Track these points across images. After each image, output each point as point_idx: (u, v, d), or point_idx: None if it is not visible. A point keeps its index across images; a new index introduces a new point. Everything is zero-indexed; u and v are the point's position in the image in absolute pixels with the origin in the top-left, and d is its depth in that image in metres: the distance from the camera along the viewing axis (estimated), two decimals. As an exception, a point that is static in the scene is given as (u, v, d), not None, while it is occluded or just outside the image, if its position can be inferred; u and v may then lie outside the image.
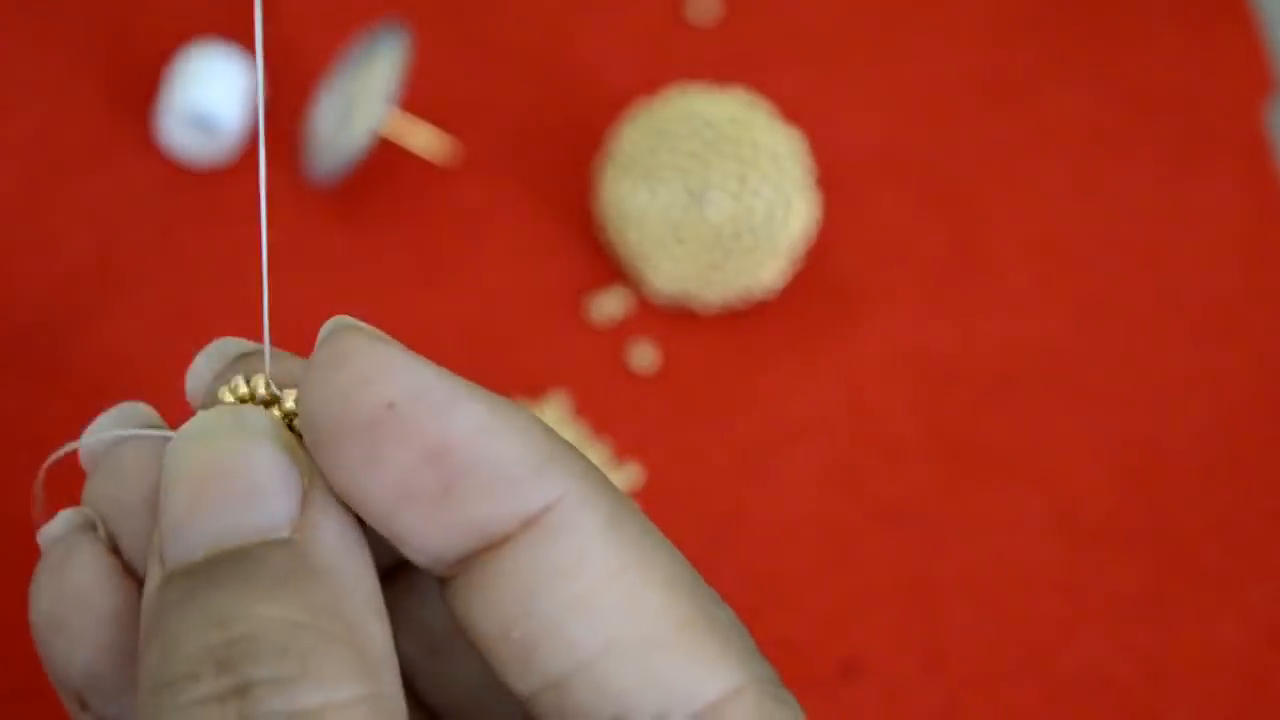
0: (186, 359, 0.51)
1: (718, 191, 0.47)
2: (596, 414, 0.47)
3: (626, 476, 0.46)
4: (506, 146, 0.52)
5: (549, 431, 0.23)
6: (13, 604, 0.44)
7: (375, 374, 0.22)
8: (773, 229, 0.47)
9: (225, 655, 0.20)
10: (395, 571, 0.25)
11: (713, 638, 0.22)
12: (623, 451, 0.47)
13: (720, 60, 0.53)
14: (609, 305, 0.49)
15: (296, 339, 0.51)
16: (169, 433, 0.24)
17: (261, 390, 0.24)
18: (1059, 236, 0.51)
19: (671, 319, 0.49)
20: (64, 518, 0.26)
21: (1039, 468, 0.47)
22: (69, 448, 0.26)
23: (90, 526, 0.25)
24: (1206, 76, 0.54)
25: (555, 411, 0.47)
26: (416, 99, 0.51)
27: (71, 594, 0.24)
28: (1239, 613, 0.44)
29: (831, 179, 0.50)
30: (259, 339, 0.46)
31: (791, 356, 0.48)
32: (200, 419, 0.23)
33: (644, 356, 0.48)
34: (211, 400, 0.25)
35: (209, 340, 0.48)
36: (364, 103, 0.48)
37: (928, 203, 0.51)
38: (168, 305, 0.48)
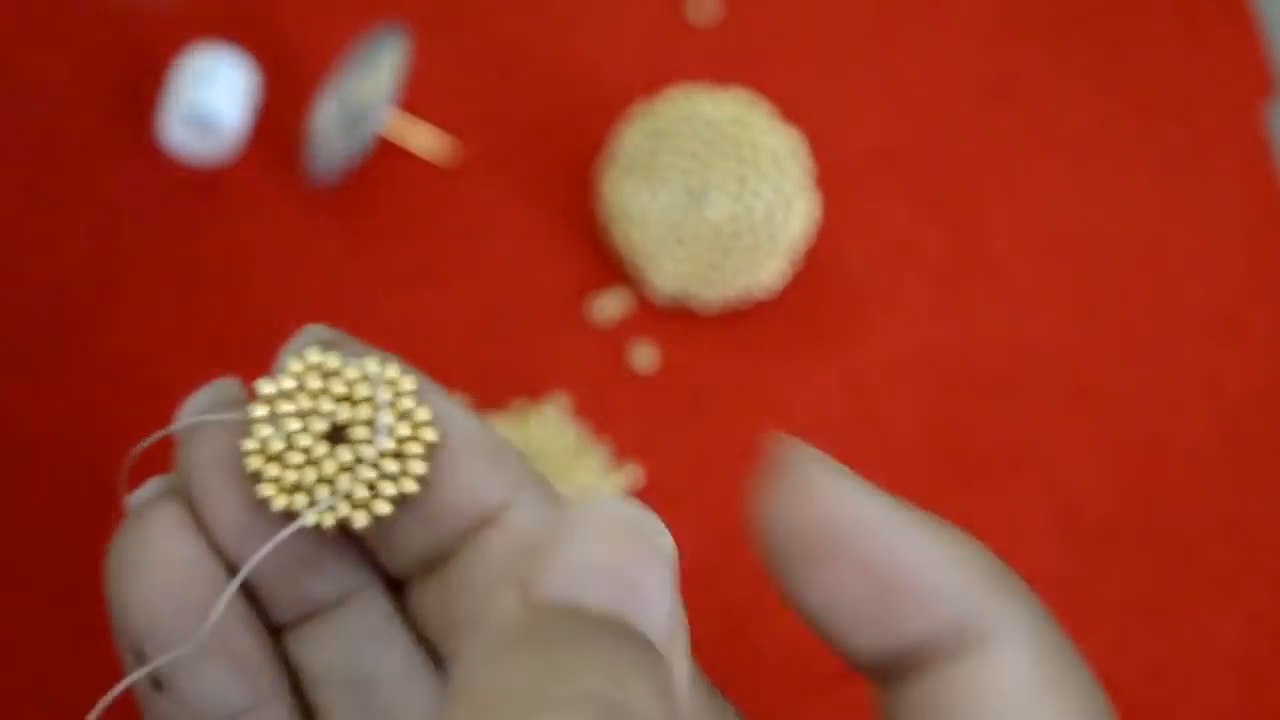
0: (187, 357, 0.52)
1: (718, 192, 0.47)
2: (597, 414, 0.47)
3: (627, 477, 0.46)
4: (507, 147, 0.52)
5: (987, 557, 0.24)
6: (15, 603, 0.44)
7: (827, 499, 0.24)
8: (773, 229, 0.47)
9: (609, 710, 0.21)
10: (450, 567, 0.26)
11: None
12: (623, 452, 0.47)
13: (720, 61, 0.53)
14: (610, 305, 0.49)
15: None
16: (234, 416, 0.26)
17: (333, 363, 0.26)
18: (1060, 237, 0.51)
19: (672, 319, 0.49)
20: (151, 484, 0.27)
21: (1041, 468, 0.47)
22: (158, 435, 0.27)
23: (175, 492, 0.27)
24: (1207, 78, 0.54)
25: (556, 412, 0.47)
26: (417, 100, 0.51)
27: (145, 539, 0.26)
28: (1241, 613, 0.44)
29: (831, 179, 0.50)
30: (259, 338, 0.46)
31: (792, 356, 0.48)
32: (630, 514, 0.24)
33: (644, 357, 0.48)
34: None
35: (209, 338, 0.48)
36: (365, 103, 0.48)
37: (928, 203, 0.51)
38: (168, 304, 0.48)
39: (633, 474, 0.46)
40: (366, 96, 0.48)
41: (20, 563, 0.44)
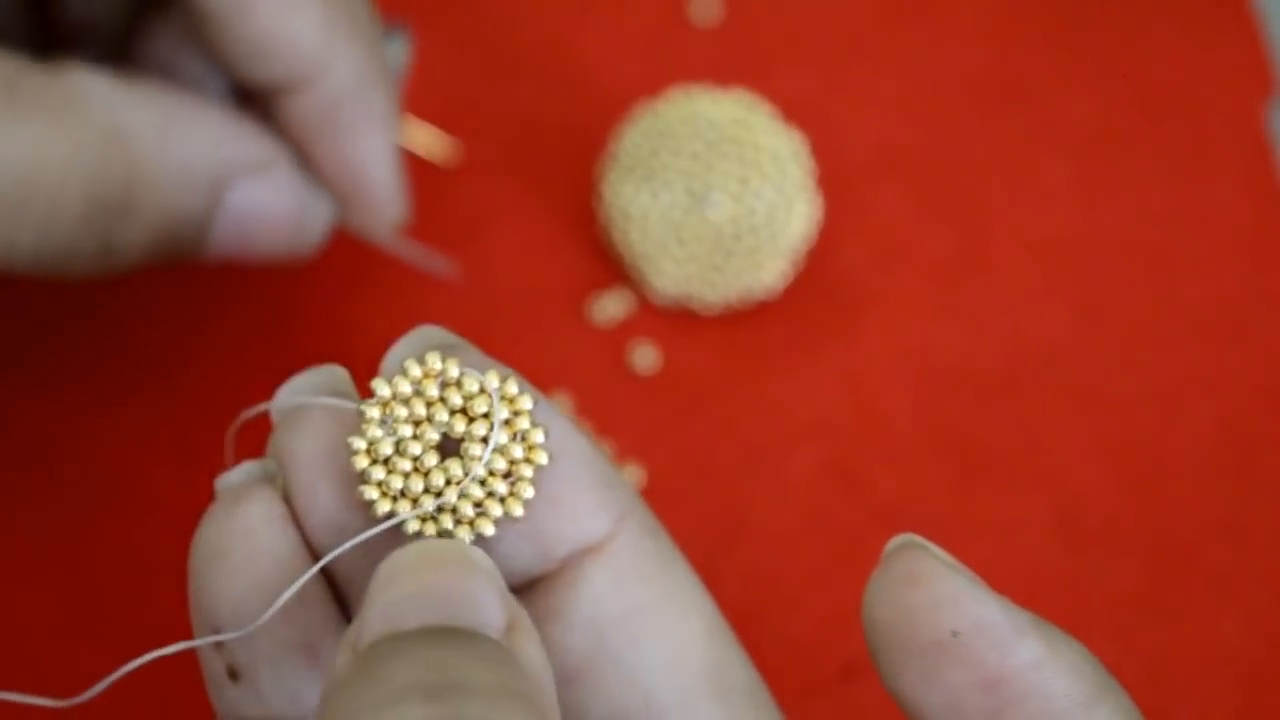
0: (187, 356, 0.51)
1: (719, 193, 0.47)
2: (598, 415, 0.47)
3: (628, 478, 0.46)
4: (508, 148, 0.52)
5: (1098, 667, 0.25)
6: (15, 604, 0.44)
7: (946, 600, 0.24)
8: (774, 230, 0.47)
9: (436, 689, 0.21)
10: (531, 596, 0.26)
11: None
12: (624, 453, 0.47)
13: (722, 61, 0.53)
14: (610, 306, 0.49)
15: (297, 339, 0.51)
16: (350, 403, 0.26)
17: (454, 372, 0.25)
18: (1061, 237, 0.51)
19: (673, 320, 0.49)
20: (244, 468, 0.27)
21: (1041, 469, 0.47)
22: (261, 407, 0.27)
23: (269, 478, 0.26)
24: (1209, 78, 0.54)
25: (557, 412, 0.47)
26: (418, 100, 0.51)
27: (238, 528, 0.25)
28: (1242, 614, 0.44)
29: (833, 180, 0.50)
30: (260, 337, 0.46)
31: (793, 357, 0.48)
32: (429, 543, 0.24)
33: (645, 358, 0.48)
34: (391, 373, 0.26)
35: (210, 336, 0.48)
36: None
37: (929, 204, 0.51)
38: (168, 303, 0.48)
39: (634, 475, 0.46)
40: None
41: (20, 564, 0.44)
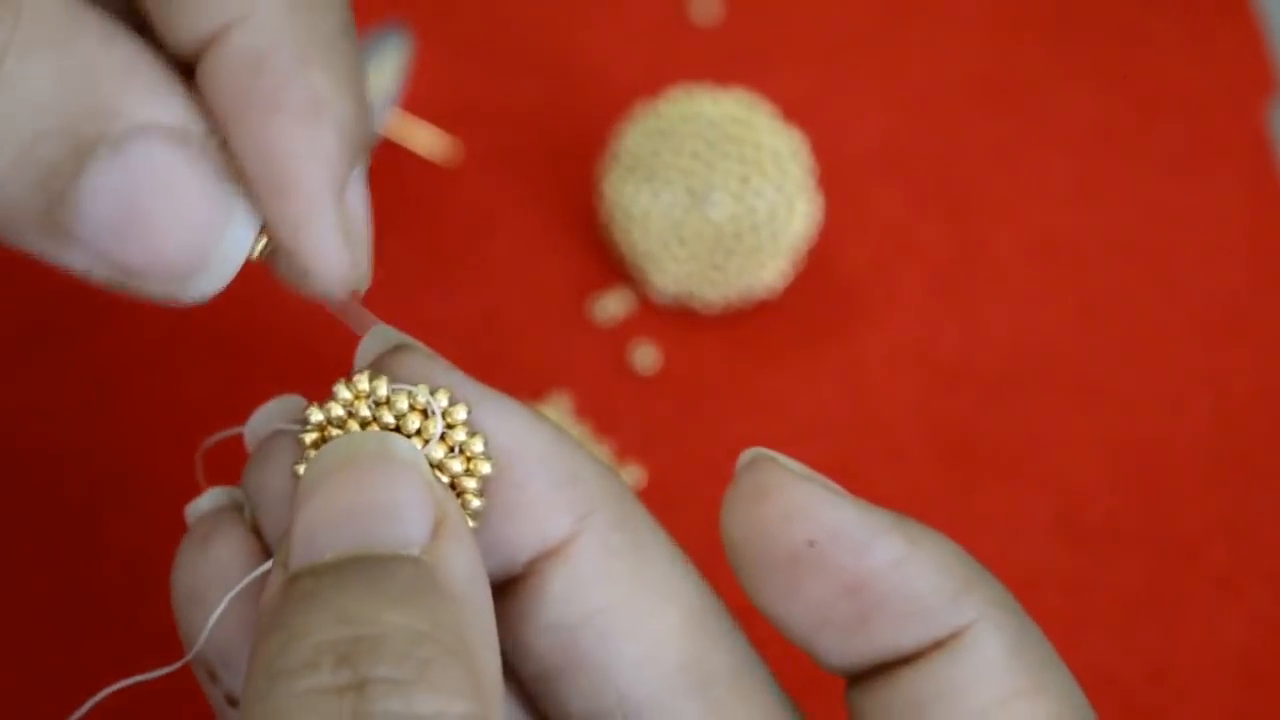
0: (192, 358, 0.52)
1: (720, 192, 0.47)
2: (598, 415, 0.47)
3: (628, 478, 0.46)
4: (509, 147, 0.52)
5: (964, 559, 0.24)
6: (14, 605, 0.44)
7: (798, 511, 0.24)
8: (775, 229, 0.47)
9: (347, 651, 0.21)
10: (515, 595, 0.26)
11: None
12: (624, 452, 0.47)
13: (723, 61, 0.53)
14: (611, 305, 0.49)
15: (297, 339, 0.51)
16: (296, 428, 0.26)
17: (383, 390, 0.25)
18: (1061, 236, 0.51)
19: (674, 319, 0.49)
20: (211, 495, 0.27)
21: (1042, 468, 0.47)
22: (231, 432, 0.27)
23: (237, 507, 0.26)
24: (1209, 76, 0.54)
25: (557, 413, 0.47)
26: (419, 99, 0.51)
27: (213, 570, 0.25)
28: (1243, 613, 0.44)
29: (834, 179, 0.50)
30: (264, 340, 0.46)
31: (794, 356, 0.48)
32: (352, 438, 0.24)
33: (646, 357, 0.48)
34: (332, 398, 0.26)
35: (211, 338, 0.48)
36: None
37: (930, 203, 0.51)
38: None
39: (634, 474, 0.46)
40: (368, 96, 0.48)
41: (19, 564, 0.44)
